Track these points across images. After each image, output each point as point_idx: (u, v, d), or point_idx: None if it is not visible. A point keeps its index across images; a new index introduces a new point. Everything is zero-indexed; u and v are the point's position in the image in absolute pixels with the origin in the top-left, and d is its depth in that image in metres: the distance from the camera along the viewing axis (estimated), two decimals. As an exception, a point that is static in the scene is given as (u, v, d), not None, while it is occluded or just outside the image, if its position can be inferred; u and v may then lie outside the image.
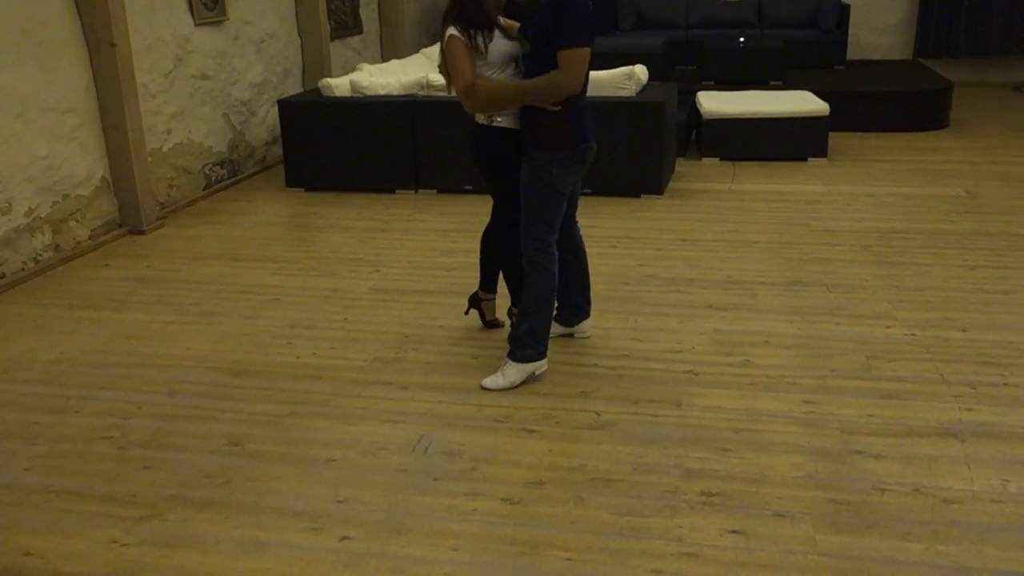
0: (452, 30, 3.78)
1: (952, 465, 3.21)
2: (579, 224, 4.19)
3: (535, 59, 3.66)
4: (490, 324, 4.44)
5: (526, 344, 3.86)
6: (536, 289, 3.83)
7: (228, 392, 3.95)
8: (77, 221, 5.88)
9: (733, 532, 2.88)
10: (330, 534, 2.94)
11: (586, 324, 4.34)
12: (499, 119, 3.88)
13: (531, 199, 3.78)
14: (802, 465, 3.24)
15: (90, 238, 5.99)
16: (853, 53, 11.45)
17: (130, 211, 6.22)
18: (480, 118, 3.93)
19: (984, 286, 4.86)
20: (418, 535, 2.92)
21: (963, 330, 4.33)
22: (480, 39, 3.78)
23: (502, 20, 3.91)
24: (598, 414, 3.65)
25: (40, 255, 5.58)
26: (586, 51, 3.58)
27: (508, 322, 4.30)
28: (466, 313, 4.48)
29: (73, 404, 3.88)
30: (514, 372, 3.87)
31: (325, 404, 3.81)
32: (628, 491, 3.12)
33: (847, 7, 10.75)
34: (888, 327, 4.38)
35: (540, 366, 3.91)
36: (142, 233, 6.21)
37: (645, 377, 3.95)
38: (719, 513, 2.98)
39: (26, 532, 3.00)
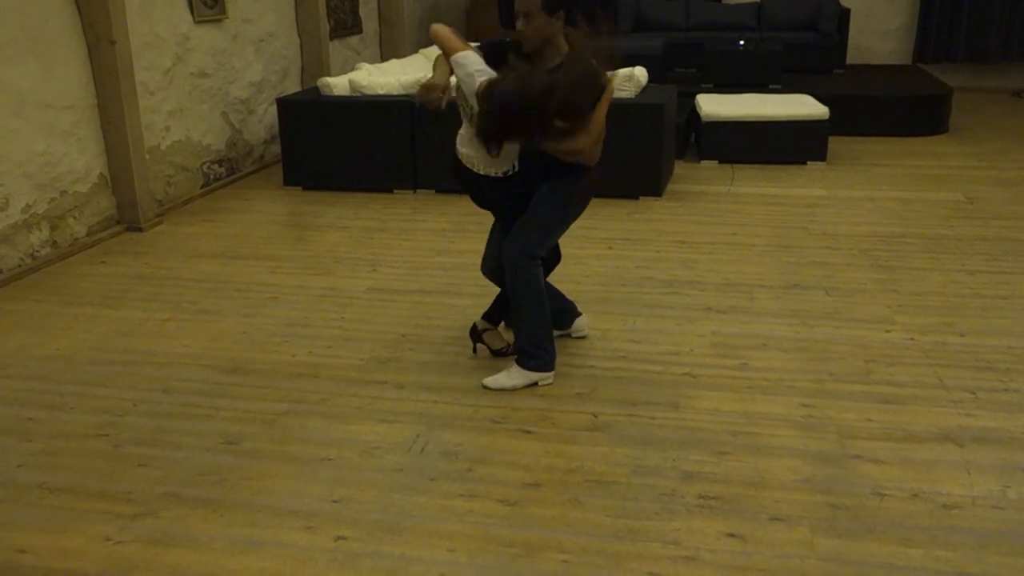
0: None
1: (951, 470, 3.20)
2: (573, 225, 4.15)
3: None
4: (500, 353, 4.12)
5: (531, 355, 3.84)
6: (526, 297, 3.78)
7: (224, 390, 3.93)
8: (75, 218, 5.86)
9: (731, 536, 2.87)
10: (325, 533, 2.92)
11: (580, 322, 4.32)
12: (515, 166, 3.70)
13: (544, 208, 3.74)
14: (800, 469, 3.22)
15: (88, 235, 5.97)
16: (853, 57, 11.45)
17: (128, 208, 6.20)
18: (490, 171, 3.69)
19: (983, 291, 4.85)
20: (414, 535, 2.90)
21: (962, 335, 4.32)
22: None
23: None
24: (595, 416, 3.63)
25: (37, 251, 5.56)
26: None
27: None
28: (474, 351, 4.20)
29: (68, 401, 3.86)
30: (518, 377, 3.85)
31: (321, 403, 3.79)
32: (625, 493, 3.10)
33: (847, 11, 10.75)
34: (887, 331, 4.37)
35: (545, 377, 3.87)
36: (140, 230, 6.19)
37: (643, 379, 3.93)
38: (716, 516, 2.97)
39: (20, 529, 2.98)
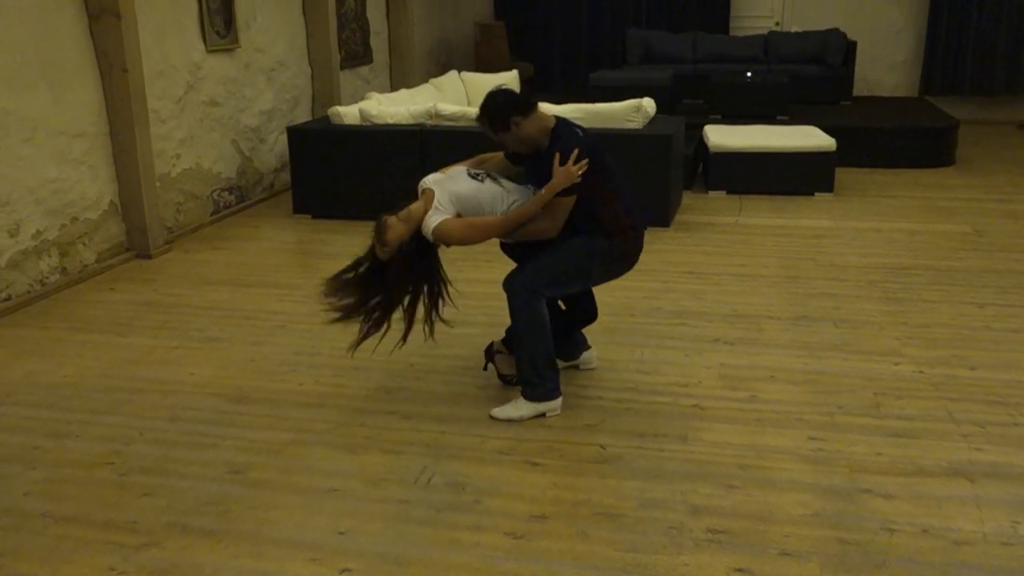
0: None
1: (961, 506, 3.17)
2: None
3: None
4: (505, 380, 4.13)
5: (534, 383, 3.82)
6: (525, 328, 3.77)
7: (230, 419, 3.92)
8: (84, 244, 5.89)
9: (739, 571, 2.84)
10: (331, 566, 2.90)
11: (589, 355, 4.31)
12: None
13: (562, 254, 3.75)
14: (809, 503, 3.20)
15: (97, 261, 5.99)
16: (859, 89, 11.49)
17: (138, 235, 6.23)
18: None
19: (993, 324, 4.83)
20: (420, 568, 2.88)
21: (972, 368, 4.29)
22: None
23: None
24: (603, 448, 3.61)
25: (47, 278, 5.58)
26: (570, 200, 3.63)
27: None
28: (484, 368, 4.25)
29: (74, 429, 3.86)
30: (525, 408, 3.83)
31: (328, 433, 3.78)
32: (633, 527, 3.08)
33: (854, 43, 10.80)
34: (896, 364, 4.35)
35: (552, 407, 3.85)
36: (149, 257, 6.21)
37: (651, 411, 3.92)
38: (725, 551, 2.94)
39: (24, 558, 2.97)
